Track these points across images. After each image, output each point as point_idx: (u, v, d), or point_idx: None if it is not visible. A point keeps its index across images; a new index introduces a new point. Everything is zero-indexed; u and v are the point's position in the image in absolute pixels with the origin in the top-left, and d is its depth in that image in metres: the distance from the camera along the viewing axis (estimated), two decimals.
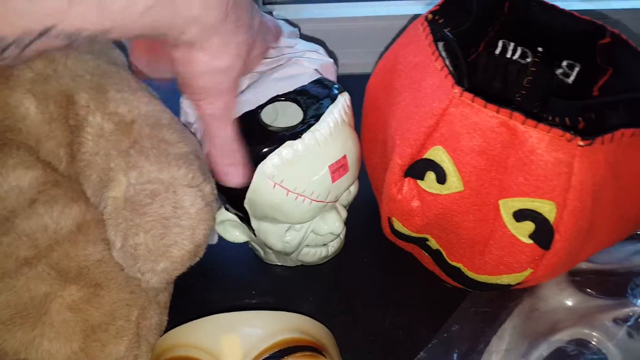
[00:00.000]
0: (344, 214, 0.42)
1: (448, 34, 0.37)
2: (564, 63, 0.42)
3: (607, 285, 0.40)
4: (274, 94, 0.37)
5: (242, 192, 0.35)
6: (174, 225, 0.30)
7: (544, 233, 0.31)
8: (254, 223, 0.39)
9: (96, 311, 0.32)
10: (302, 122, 0.36)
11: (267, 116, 0.37)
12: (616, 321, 0.37)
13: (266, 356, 0.33)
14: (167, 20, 0.25)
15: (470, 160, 0.32)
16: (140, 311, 0.34)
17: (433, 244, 0.38)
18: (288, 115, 0.37)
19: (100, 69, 0.34)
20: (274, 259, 0.45)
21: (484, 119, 0.30)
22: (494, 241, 0.33)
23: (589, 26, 0.39)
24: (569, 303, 0.39)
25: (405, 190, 0.35)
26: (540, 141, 0.29)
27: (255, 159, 0.34)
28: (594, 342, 0.36)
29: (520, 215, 0.31)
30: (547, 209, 0.30)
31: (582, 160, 0.29)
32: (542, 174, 0.30)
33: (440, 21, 0.38)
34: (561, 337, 0.37)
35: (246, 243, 0.44)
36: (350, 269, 0.46)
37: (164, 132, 0.32)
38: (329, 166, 0.36)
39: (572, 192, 0.30)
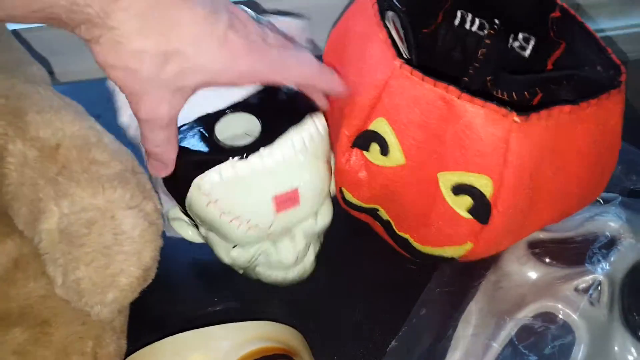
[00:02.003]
0: (302, 243, 0.38)
1: (396, 2, 0.35)
2: (520, 36, 0.42)
3: (566, 253, 0.40)
4: (236, 100, 0.35)
5: (181, 200, 0.34)
6: (117, 253, 0.28)
7: (481, 208, 0.31)
8: (202, 230, 0.37)
9: (46, 350, 0.30)
10: (258, 140, 0.33)
11: (221, 126, 0.34)
12: (577, 290, 0.37)
13: None
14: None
15: (411, 133, 0.32)
16: (95, 341, 0.33)
17: (383, 214, 0.39)
18: (243, 128, 0.34)
19: (15, 89, 0.31)
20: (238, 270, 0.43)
21: (422, 92, 0.30)
22: (435, 214, 0.34)
23: None
24: (532, 276, 0.40)
25: (352, 161, 0.35)
26: (475, 116, 0.29)
27: (193, 169, 0.32)
28: (560, 316, 0.37)
29: (458, 189, 0.32)
30: (483, 183, 0.31)
31: (519, 135, 0.29)
32: (478, 149, 0.30)
33: None
34: (526, 314, 0.37)
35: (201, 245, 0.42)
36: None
37: (93, 152, 0.30)
38: (273, 197, 0.33)
39: (508, 168, 0.30)
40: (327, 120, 0.37)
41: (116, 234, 0.28)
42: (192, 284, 0.45)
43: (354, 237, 0.47)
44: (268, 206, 0.33)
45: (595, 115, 0.31)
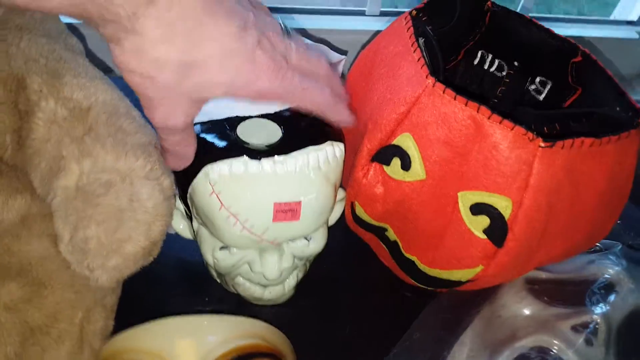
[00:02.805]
0: (289, 262, 0.38)
1: (429, 30, 0.37)
2: (537, 79, 0.43)
3: (564, 293, 0.40)
4: (268, 111, 0.35)
5: (186, 184, 0.34)
6: (129, 219, 0.28)
7: (498, 229, 0.32)
8: (194, 223, 0.37)
9: (37, 312, 0.29)
10: (274, 147, 0.33)
11: (245, 126, 0.35)
12: (575, 329, 0.37)
13: None
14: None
15: (435, 150, 0.32)
16: (85, 313, 0.32)
17: (391, 234, 0.38)
18: (264, 134, 0.34)
19: (56, 53, 0.31)
20: (214, 276, 0.42)
21: (452, 110, 0.31)
22: (449, 234, 0.34)
23: (563, 44, 0.40)
24: (528, 312, 0.40)
25: (370, 175, 0.36)
26: (503, 137, 0.30)
27: (206, 156, 0.32)
28: (554, 350, 0.36)
29: (477, 209, 0.32)
30: (503, 205, 0.31)
31: (542, 161, 0.30)
32: (502, 170, 0.30)
33: (423, 18, 0.39)
34: (523, 344, 0.37)
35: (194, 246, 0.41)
36: (309, 277, 0.45)
37: (121, 120, 0.30)
38: (275, 203, 0.33)
39: (529, 191, 0.30)
40: (346, 136, 0.38)
41: (131, 201, 0.28)
42: (184, 281, 0.44)
43: (350, 263, 0.47)
44: (267, 211, 0.33)
45: (614, 152, 0.32)
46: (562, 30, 0.80)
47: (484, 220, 0.32)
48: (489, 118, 0.30)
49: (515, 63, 0.43)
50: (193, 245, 0.40)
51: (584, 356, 0.36)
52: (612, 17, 0.91)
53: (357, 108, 0.38)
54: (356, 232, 0.44)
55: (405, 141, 0.33)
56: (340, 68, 0.42)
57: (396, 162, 0.34)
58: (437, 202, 0.34)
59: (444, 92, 0.31)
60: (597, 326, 0.37)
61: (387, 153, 0.34)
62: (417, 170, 0.33)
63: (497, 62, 0.45)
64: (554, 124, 0.38)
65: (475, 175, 0.31)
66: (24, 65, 0.30)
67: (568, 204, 0.32)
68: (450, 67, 0.46)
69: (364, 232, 0.42)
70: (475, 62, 0.46)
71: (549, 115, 0.38)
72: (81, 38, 0.37)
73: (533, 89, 0.43)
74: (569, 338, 0.37)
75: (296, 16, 0.74)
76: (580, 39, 0.83)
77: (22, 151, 0.30)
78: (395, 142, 0.34)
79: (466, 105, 0.30)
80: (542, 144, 0.29)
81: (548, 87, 0.42)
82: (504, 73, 0.45)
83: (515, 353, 0.37)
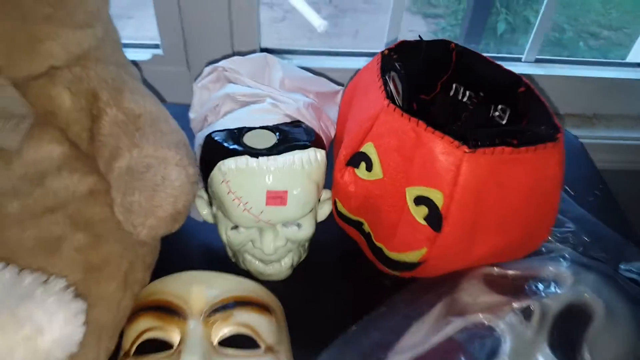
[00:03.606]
0: (282, 241, 0.47)
1: (398, 66, 0.47)
2: (499, 107, 0.52)
3: (512, 285, 0.48)
4: (268, 123, 0.47)
5: (206, 176, 0.45)
6: (161, 192, 0.40)
7: (434, 217, 0.41)
8: (213, 208, 0.48)
9: (96, 256, 0.41)
10: (269, 149, 0.45)
11: (250, 134, 0.46)
12: (514, 312, 0.44)
13: (224, 304, 0.42)
14: None
15: (390, 155, 0.42)
16: (129, 264, 0.44)
17: (366, 227, 0.48)
18: (264, 140, 0.46)
19: (120, 77, 0.45)
20: (230, 256, 0.53)
21: (400, 124, 0.41)
22: (402, 222, 0.43)
23: (510, 75, 0.49)
24: (480, 298, 0.47)
25: (346, 176, 0.46)
26: (436, 145, 0.39)
27: (219, 155, 0.44)
28: (494, 326, 0.44)
29: (419, 200, 0.41)
30: (438, 197, 0.40)
31: (469, 164, 0.39)
32: (436, 169, 0.39)
33: (393, 56, 0.49)
34: (471, 320, 0.45)
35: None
36: (304, 264, 0.54)
37: (161, 125, 0.43)
38: (267, 190, 0.43)
39: (458, 187, 0.39)
40: (335, 147, 0.49)
41: (164, 179, 0.40)
42: (205, 265, 0.52)
43: (340, 255, 0.57)
44: (262, 197, 0.44)
45: (535, 160, 0.40)
46: (571, 71, 0.87)
47: (424, 210, 0.41)
48: (424, 130, 0.40)
49: (481, 94, 0.53)
50: (215, 235, 0.51)
51: (519, 335, 0.43)
52: (627, 60, 0.96)
53: (343, 123, 0.49)
54: (343, 229, 0.54)
55: (369, 149, 0.44)
56: (339, 97, 0.53)
57: (363, 165, 0.44)
58: (392, 196, 0.43)
59: (394, 110, 0.41)
60: (532, 311, 0.44)
61: (357, 158, 0.45)
62: (377, 171, 0.43)
63: (468, 93, 0.54)
64: (495, 140, 0.46)
65: (417, 174, 0.41)
66: (97, 84, 0.43)
67: (495, 201, 0.41)
68: (429, 99, 0.56)
69: (347, 227, 0.52)
70: (451, 93, 0.55)
71: (491, 133, 0.47)
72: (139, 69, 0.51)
73: (497, 115, 0.52)
74: (508, 319, 0.44)
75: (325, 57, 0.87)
76: (598, 79, 0.89)
77: (93, 144, 0.43)
78: (362, 149, 0.44)
79: (409, 120, 0.40)
80: (467, 150, 0.39)
81: (508, 113, 0.51)
82: (474, 102, 0.54)
83: (464, 324, 0.44)
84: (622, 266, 0.53)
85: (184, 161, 0.42)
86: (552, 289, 0.47)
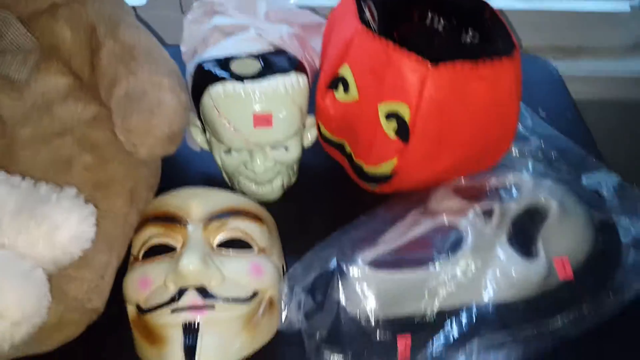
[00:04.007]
0: (272, 162, 0.51)
1: None
2: (470, 32, 0.56)
3: (477, 193, 0.53)
4: (253, 51, 0.51)
5: (198, 103, 0.50)
6: (157, 114, 0.45)
7: (403, 129, 0.45)
8: (207, 135, 0.53)
9: (103, 174, 0.47)
10: (255, 75, 0.48)
11: (236, 62, 0.50)
12: (475, 212, 0.50)
13: (220, 213, 0.48)
14: None
15: (364, 76, 0.47)
16: (133, 183, 0.49)
17: (347, 148, 0.53)
18: (249, 66, 0.50)
19: (116, 13, 0.50)
20: (226, 179, 0.58)
21: (373, 45, 0.45)
22: (376, 138, 0.48)
23: (477, 3, 0.53)
24: (449, 205, 0.52)
25: (326, 100, 0.51)
26: (404, 62, 0.44)
27: (208, 81, 0.48)
28: (458, 225, 0.49)
29: (389, 115, 0.46)
30: (405, 110, 0.45)
31: (432, 79, 0.43)
32: (404, 85, 0.44)
33: None
34: (437, 220, 0.50)
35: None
36: (295, 187, 0.59)
37: (155, 55, 0.47)
38: (254, 113, 0.47)
39: (423, 100, 0.44)
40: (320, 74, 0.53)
41: (160, 102, 0.44)
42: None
43: (327, 178, 0.61)
44: (249, 119, 0.48)
45: (492, 74, 0.45)
46: (557, 4, 0.89)
47: (394, 124, 0.46)
48: (393, 50, 0.44)
49: (453, 20, 0.56)
50: (212, 163, 0.56)
51: (479, 231, 0.48)
52: None
53: (325, 55, 0.53)
54: (329, 152, 0.59)
55: (346, 71, 0.48)
56: (322, 28, 0.57)
57: (341, 87, 0.49)
58: (367, 115, 0.48)
59: (367, 33, 0.45)
60: (493, 212, 0.50)
61: (336, 81, 0.49)
62: (354, 92, 0.48)
63: (442, 21, 0.58)
64: (456, 56, 0.50)
65: (388, 91, 0.45)
66: (95, 19, 0.48)
67: (458, 115, 0.45)
68: (407, 27, 0.59)
69: (332, 149, 0.57)
70: (428, 22, 0.59)
71: (458, 53, 0.51)
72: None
73: (468, 41, 0.56)
74: (470, 218, 0.49)
75: None
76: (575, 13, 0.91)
77: (93, 74, 0.48)
78: (340, 72, 0.49)
79: (381, 42, 0.45)
80: (430, 65, 0.43)
81: (477, 37, 0.55)
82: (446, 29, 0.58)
83: (432, 225, 0.50)
84: (583, 177, 0.58)
85: (176, 87, 0.46)
86: (513, 193, 0.52)
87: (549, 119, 0.67)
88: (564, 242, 0.49)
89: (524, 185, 0.53)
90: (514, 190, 0.52)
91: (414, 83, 0.44)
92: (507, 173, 0.54)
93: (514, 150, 0.58)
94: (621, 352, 0.46)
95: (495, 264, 0.46)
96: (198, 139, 0.56)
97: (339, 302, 0.42)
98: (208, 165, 0.61)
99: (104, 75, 0.47)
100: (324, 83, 0.51)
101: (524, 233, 0.49)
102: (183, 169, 0.62)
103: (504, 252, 0.47)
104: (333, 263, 0.44)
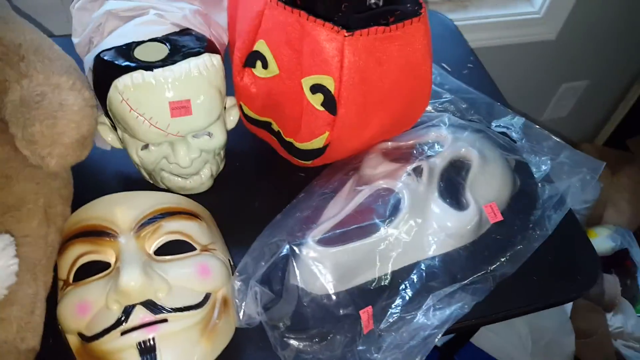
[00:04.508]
0: (196, 152, 0.48)
1: None
2: None
3: (403, 153, 0.54)
4: (156, 35, 0.46)
5: (104, 99, 0.45)
6: (62, 118, 0.40)
7: (329, 101, 0.45)
8: (119, 132, 0.48)
9: (10, 196, 0.41)
10: (163, 60, 0.44)
11: (140, 49, 0.46)
12: (408, 173, 0.51)
13: (150, 217, 0.44)
14: None
15: (281, 49, 0.45)
16: (45, 199, 0.44)
17: (275, 126, 0.52)
18: (155, 52, 0.46)
19: None
20: (147, 178, 0.54)
21: (285, 17, 0.44)
22: (304, 113, 0.47)
23: None
24: (380, 169, 0.54)
25: (245, 78, 0.48)
26: (318, 33, 0.42)
27: (113, 73, 0.43)
28: (394, 188, 0.50)
29: (314, 89, 0.45)
30: (328, 82, 0.44)
31: (350, 47, 0.43)
32: (323, 57, 0.43)
33: None
34: (374, 186, 0.51)
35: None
36: (224, 173, 0.57)
37: (46, 52, 0.42)
38: (170, 102, 0.43)
39: (344, 70, 0.43)
40: (230, 53, 0.50)
41: (61, 105, 0.39)
42: (122, 190, 0.55)
43: (255, 159, 0.60)
44: (165, 109, 0.44)
45: (403, 36, 0.45)
46: None
47: (320, 97, 0.45)
48: (307, 20, 0.42)
49: None
50: (126, 160, 0.51)
51: (413, 190, 0.50)
52: None
53: (233, 30, 0.50)
54: (255, 133, 0.57)
55: (261, 46, 0.46)
56: (225, 2, 0.54)
57: (259, 64, 0.47)
58: (290, 90, 0.46)
59: (277, 4, 0.43)
60: (421, 169, 0.51)
61: (252, 58, 0.47)
62: (273, 67, 0.46)
63: None
64: (371, 24, 0.51)
65: (309, 64, 0.44)
66: None
67: (378, 79, 0.46)
68: None
69: (257, 129, 0.55)
70: None
71: (367, 17, 0.51)
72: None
73: (373, 3, 0.56)
74: (404, 179, 0.51)
75: None
76: None
77: None
78: (255, 48, 0.46)
79: (292, 12, 0.43)
80: (346, 34, 0.42)
81: (381, 1, 0.55)
82: None
83: (370, 191, 0.50)
84: (493, 123, 0.61)
85: (77, 85, 0.42)
86: (436, 148, 0.54)
87: (453, 71, 0.70)
88: (489, 188, 0.52)
89: (444, 139, 0.55)
90: (436, 146, 0.54)
91: (333, 54, 0.43)
92: (428, 130, 0.56)
93: (429, 107, 0.60)
94: (550, 277, 0.51)
95: (432, 219, 0.49)
96: (108, 138, 0.51)
97: (297, 286, 0.41)
98: (122, 164, 0.56)
99: None
100: (239, 61, 0.48)
101: (453, 186, 0.52)
102: (95, 171, 0.56)
103: (437, 207, 0.49)
104: (284, 248, 0.43)
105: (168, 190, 0.54)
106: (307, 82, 0.45)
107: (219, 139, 0.51)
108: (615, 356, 1.06)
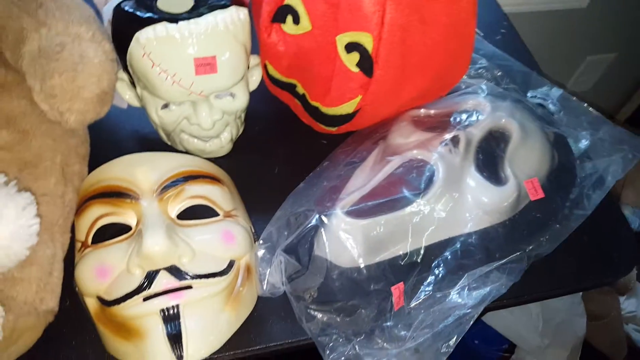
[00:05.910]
0: (219, 113, 0.46)
1: None
2: None
3: (438, 122, 0.51)
4: None
5: (124, 53, 0.42)
6: (82, 71, 0.37)
7: (366, 61, 0.42)
8: (138, 89, 0.46)
9: (27, 152, 0.39)
10: (188, 12, 0.41)
11: (163, 1, 0.43)
12: (444, 143, 0.48)
13: (173, 180, 0.42)
14: None
15: (315, 2, 0.41)
16: (63, 157, 0.42)
17: (300, 89, 0.48)
18: (179, 3, 0.43)
19: None
20: (165, 139, 0.52)
21: None
22: (335, 74, 0.44)
23: None
24: (411, 138, 0.51)
25: (273, 35, 0.45)
26: None
27: (135, 25, 0.40)
28: (427, 159, 0.48)
29: (350, 47, 0.42)
30: (367, 40, 0.41)
31: (392, 2, 0.39)
32: (362, 12, 0.40)
33: None
34: (406, 156, 0.48)
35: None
36: (244, 136, 0.55)
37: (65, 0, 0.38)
38: (195, 58, 0.41)
39: (385, 26, 0.40)
40: (253, 9, 0.46)
41: (82, 57, 0.37)
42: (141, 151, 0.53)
43: (277, 123, 0.57)
44: (190, 66, 0.41)
45: None
46: None
47: (356, 57, 0.42)
48: None
49: None
50: (144, 119, 0.49)
51: (449, 162, 0.47)
52: None
53: None
54: (277, 95, 0.54)
55: (293, 0, 0.42)
56: None
57: (289, 19, 0.43)
58: (323, 48, 0.43)
59: None
60: (458, 139, 0.48)
61: (282, 12, 0.44)
62: (305, 23, 0.43)
63: None
64: None
65: (345, 20, 0.41)
66: None
67: (420, 39, 0.42)
68: None
69: (280, 91, 0.52)
70: None
71: None
72: None
73: None
74: (439, 150, 0.48)
75: None
76: None
77: None
78: (286, 1, 0.43)
79: None
80: None
81: None
82: None
83: (401, 161, 0.48)
84: (529, 93, 0.58)
85: (97, 36, 0.39)
86: (474, 117, 0.51)
87: (486, 37, 0.67)
88: (529, 162, 0.49)
89: (482, 107, 0.52)
90: (474, 114, 0.51)
91: (373, 9, 0.40)
92: (464, 97, 0.53)
93: None
94: (585, 259, 0.49)
95: (468, 193, 0.46)
96: (126, 95, 0.48)
97: (326, 258, 0.39)
98: (139, 124, 0.54)
99: (6, 30, 0.37)
100: (267, 16, 0.45)
101: (491, 158, 0.49)
102: (111, 131, 0.54)
103: (474, 181, 0.46)
104: (313, 218, 0.41)
105: (186, 153, 0.51)
106: (342, 40, 0.42)
107: (242, 100, 0.48)
108: (626, 340, 1.05)
